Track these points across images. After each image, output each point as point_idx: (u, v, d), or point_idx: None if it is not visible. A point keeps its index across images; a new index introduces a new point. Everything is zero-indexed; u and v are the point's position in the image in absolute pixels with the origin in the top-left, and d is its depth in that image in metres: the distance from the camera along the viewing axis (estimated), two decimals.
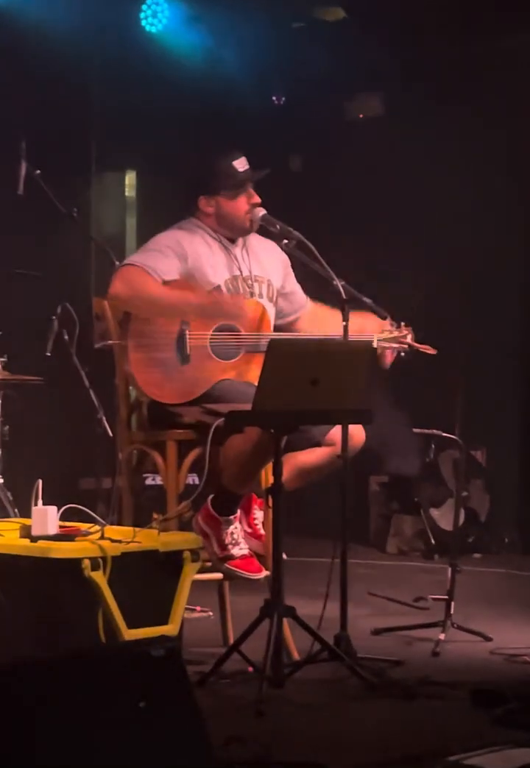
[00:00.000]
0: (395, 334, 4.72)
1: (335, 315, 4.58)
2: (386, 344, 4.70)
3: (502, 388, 7.80)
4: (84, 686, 2.63)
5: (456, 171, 7.73)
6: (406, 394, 7.50)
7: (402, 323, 4.74)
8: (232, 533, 4.45)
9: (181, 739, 2.74)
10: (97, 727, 2.61)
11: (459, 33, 7.71)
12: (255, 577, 4.48)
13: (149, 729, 2.67)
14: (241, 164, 4.71)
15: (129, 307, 4.58)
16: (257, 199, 4.72)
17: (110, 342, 4.64)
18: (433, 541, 7.52)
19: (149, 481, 6.52)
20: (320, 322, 4.79)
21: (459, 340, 7.48)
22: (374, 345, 4.63)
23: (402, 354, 4.74)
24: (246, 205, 4.70)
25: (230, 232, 4.73)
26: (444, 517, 7.54)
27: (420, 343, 4.74)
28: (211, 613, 5.18)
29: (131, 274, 4.56)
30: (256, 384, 4.13)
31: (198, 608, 5.25)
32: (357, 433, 4.52)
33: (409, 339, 4.72)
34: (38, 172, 5.55)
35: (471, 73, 7.75)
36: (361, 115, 8.45)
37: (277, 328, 4.78)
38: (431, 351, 4.78)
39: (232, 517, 4.46)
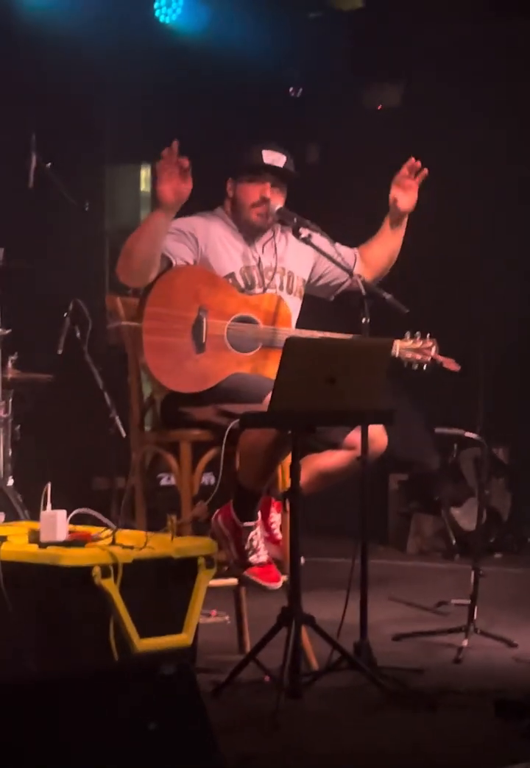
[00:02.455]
0: (419, 344, 4.57)
1: (382, 234, 4.76)
2: (409, 354, 4.56)
3: (525, 386, 7.64)
4: (89, 706, 2.50)
5: (477, 162, 7.59)
6: (426, 392, 7.36)
7: (428, 335, 4.60)
8: (251, 540, 4.31)
9: (193, 762, 2.60)
10: (104, 750, 2.47)
11: (479, 19, 7.58)
12: (272, 587, 4.34)
13: (160, 752, 2.53)
14: (270, 156, 4.56)
15: (129, 274, 4.38)
16: (269, 196, 4.54)
17: (124, 323, 4.48)
18: (454, 541, 7.38)
19: (164, 482, 6.40)
20: (376, 259, 4.76)
21: (480, 336, 7.34)
22: (397, 353, 4.49)
23: (424, 367, 4.60)
24: (257, 196, 4.55)
25: (241, 223, 4.58)
26: (465, 517, 7.39)
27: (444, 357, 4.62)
28: (227, 618, 5.05)
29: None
30: (270, 379, 4.00)
31: (213, 613, 5.12)
32: (379, 436, 4.39)
33: (433, 351, 4.58)
34: (49, 165, 5.45)
35: (491, 62, 7.60)
36: (379, 106, 8.30)
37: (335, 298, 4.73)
38: (454, 367, 4.63)
39: (252, 523, 4.32)
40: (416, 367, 4.61)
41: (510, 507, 7.63)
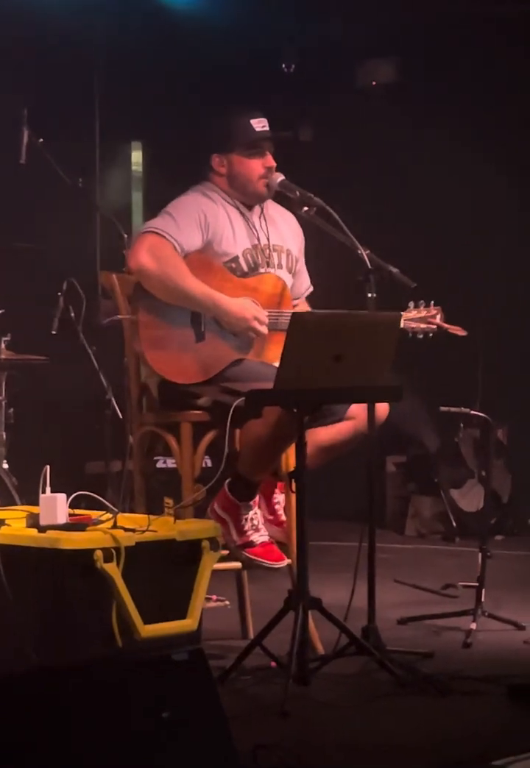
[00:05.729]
0: (424, 313, 4.45)
1: None
2: (414, 324, 4.43)
3: (524, 365, 7.54)
4: (100, 697, 2.37)
5: (473, 138, 7.48)
6: (422, 371, 7.27)
7: (431, 302, 4.47)
8: (251, 519, 4.20)
9: (207, 751, 2.49)
10: (116, 741, 2.35)
11: None
12: (276, 567, 4.23)
13: (174, 741, 2.41)
14: (259, 123, 4.43)
15: (153, 285, 4.25)
16: (273, 164, 4.44)
17: (119, 317, 4.36)
18: (454, 524, 7.27)
19: (160, 465, 6.28)
20: None
21: (479, 315, 7.23)
22: (402, 325, 4.36)
23: (430, 335, 4.47)
24: (261, 167, 4.43)
25: (244, 197, 4.45)
26: (464, 498, 7.29)
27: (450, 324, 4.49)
28: (228, 603, 4.94)
29: (160, 247, 4.22)
30: (274, 364, 3.88)
31: (214, 597, 5.00)
32: (381, 406, 4.27)
33: (438, 319, 4.45)
34: (41, 140, 5.31)
35: (488, 35, 7.49)
36: (374, 82, 8.18)
37: None
38: (461, 332, 4.52)
39: (251, 501, 4.21)
40: (422, 336, 4.48)
41: (510, 488, 7.54)
